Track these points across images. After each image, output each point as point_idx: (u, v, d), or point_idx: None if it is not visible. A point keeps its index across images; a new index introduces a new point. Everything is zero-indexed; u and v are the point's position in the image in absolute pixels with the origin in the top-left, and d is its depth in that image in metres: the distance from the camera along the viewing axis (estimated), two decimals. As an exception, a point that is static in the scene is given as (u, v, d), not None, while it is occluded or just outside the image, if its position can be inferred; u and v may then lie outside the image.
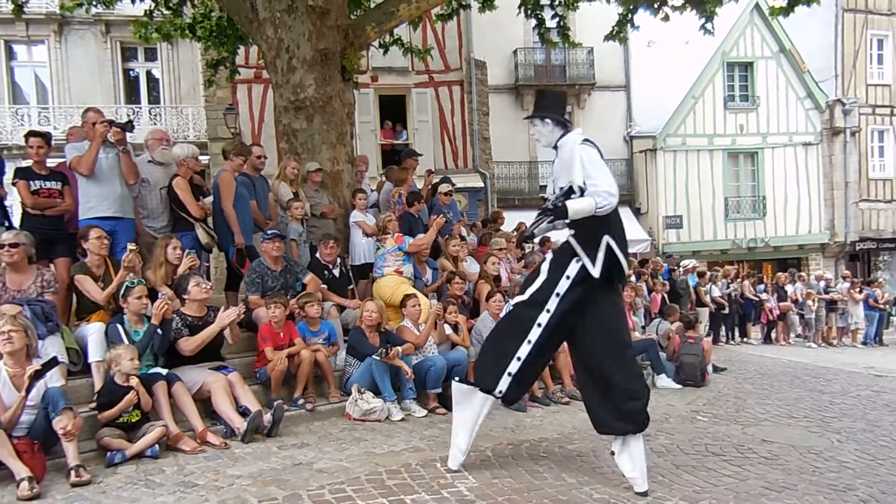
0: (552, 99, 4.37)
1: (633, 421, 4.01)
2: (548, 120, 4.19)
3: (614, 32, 10.47)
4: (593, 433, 5.39)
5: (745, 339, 14.56)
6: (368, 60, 15.50)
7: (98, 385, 4.84)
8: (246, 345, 6.12)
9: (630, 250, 19.31)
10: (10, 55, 18.84)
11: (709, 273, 14.24)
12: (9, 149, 15.80)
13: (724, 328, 14.13)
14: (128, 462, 4.35)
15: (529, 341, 4.14)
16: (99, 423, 4.57)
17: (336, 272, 7.11)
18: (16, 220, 6.02)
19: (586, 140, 4.04)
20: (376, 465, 4.36)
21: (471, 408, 4.26)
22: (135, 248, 5.43)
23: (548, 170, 21.81)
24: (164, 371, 4.99)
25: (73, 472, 3.97)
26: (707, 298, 13.35)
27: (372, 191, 9.20)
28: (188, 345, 5.26)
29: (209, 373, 5.19)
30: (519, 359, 4.14)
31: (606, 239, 4.01)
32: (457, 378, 4.93)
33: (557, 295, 4.12)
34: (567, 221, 4.05)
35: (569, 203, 3.94)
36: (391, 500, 3.72)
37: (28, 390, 4.11)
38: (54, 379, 4.32)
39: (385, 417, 5.62)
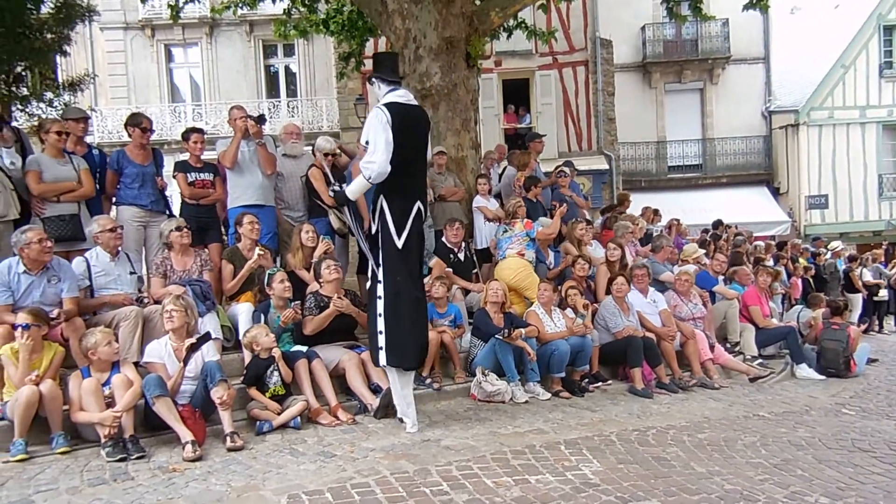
0: (380, 60, 4.83)
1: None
2: (374, 80, 4.69)
3: (754, 1, 9.87)
4: (725, 422, 5.28)
5: (901, 329, 13.32)
6: (492, 45, 15.52)
7: (247, 360, 5.28)
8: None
9: (768, 232, 18.34)
10: (169, 58, 20.80)
11: (860, 256, 13.14)
12: (168, 144, 17.36)
13: (876, 316, 12.99)
14: (274, 431, 4.75)
15: (380, 314, 4.59)
16: (248, 396, 5.00)
17: (461, 256, 7.27)
18: (175, 208, 6.66)
19: (392, 103, 4.50)
20: (501, 444, 4.47)
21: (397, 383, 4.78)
22: (263, 252, 5.89)
23: (678, 149, 20.94)
24: (305, 348, 5.37)
25: (228, 438, 4.39)
26: (860, 284, 12.32)
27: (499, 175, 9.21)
28: (307, 327, 5.60)
29: (344, 351, 5.52)
30: (381, 332, 4.58)
31: (381, 200, 4.54)
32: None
33: (379, 265, 4.59)
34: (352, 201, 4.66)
35: (347, 188, 4.66)
36: (516, 479, 3.82)
37: (185, 361, 4.62)
38: (211, 353, 4.81)
39: (509, 399, 5.72)
